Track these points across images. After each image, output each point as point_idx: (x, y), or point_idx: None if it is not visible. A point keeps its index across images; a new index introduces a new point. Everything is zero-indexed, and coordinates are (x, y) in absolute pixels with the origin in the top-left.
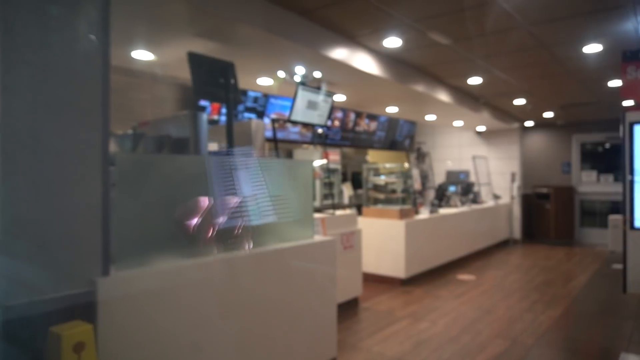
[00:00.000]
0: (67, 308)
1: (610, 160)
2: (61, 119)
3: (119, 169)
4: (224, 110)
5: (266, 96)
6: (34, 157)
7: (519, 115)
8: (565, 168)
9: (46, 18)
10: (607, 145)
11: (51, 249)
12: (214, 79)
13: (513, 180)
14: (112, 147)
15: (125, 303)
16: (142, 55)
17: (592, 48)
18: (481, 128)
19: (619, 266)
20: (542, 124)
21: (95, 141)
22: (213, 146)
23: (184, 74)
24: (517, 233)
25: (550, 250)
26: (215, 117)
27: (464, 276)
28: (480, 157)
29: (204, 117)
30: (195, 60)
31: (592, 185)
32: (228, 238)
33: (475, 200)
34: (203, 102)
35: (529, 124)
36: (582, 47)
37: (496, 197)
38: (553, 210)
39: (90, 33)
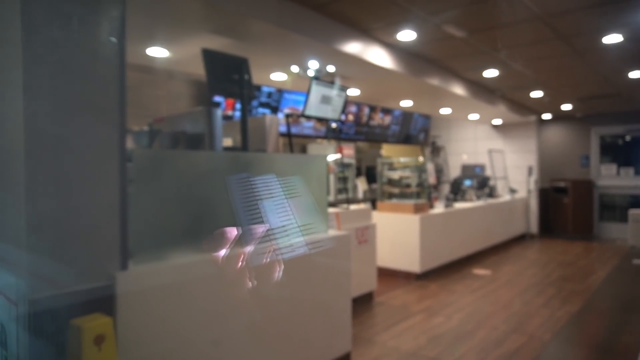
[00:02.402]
0: (87, 301)
1: (631, 153)
2: (80, 117)
3: (136, 165)
4: (238, 106)
5: (280, 91)
6: (55, 155)
7: (536, 107)
8: (583, 161)
9: (64, 17)
10: (628, 138)
11: (72, 243)
12: (228, 75)
13: (530, 174)
14: (129, 143)
15: (144, 296)
16: (157, 52)
17: (612, 39)
18: (497, 121)
19: None
20: (560, 117)
21: (112, 138)
22: (227, 141)
23: (199, 70)
24: (534, 227)
25: (568, 245)
26: (230, 112)
27: (479, 271)
28: (497, 150)
29: (219, 113)
30: (209, 56)
31: (611, 178)
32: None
33: (491, 194)
34: (217, 98)
35: (547, 116)
36: (602, 37)
37: (513, 191)
38: (571, 204)
39: (107, 32)
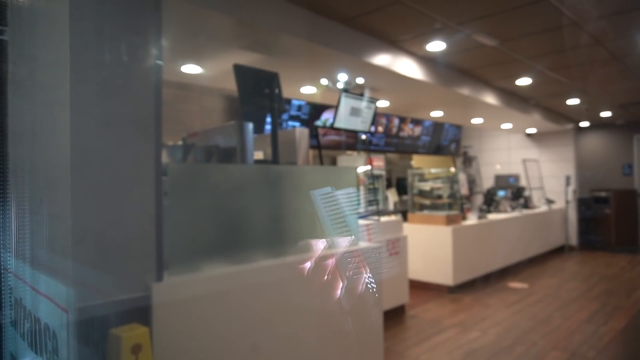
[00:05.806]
0: (125, 311)
1: None
2: (119, 133)
3: (171, 179)
4: (268, 120)
5: (310, 104)
6: (97, 169)
7: (573, 115)
8: (626, 170)
9: (107, 40)
10: None
11: (111, 255)
12: (259, 90)
13: (568, 183)
14: (164, 157)
15: (178, 307)
16: (191, 69)
17: None
18: (531, 130)
19: None
20: (599, 125)
21: (149, 153)
22: (259, 155)
23: (231, 85)
24: (573, 239)
25: (611, 258)
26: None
27: (515, 284)
28: (531, 160)
29: (250, 127)
30: (241, 72)
31: None
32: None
33: (527, 205)
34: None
35: (585, 124)
36: None
37: (549, 201)
38: (613, 215)
39: (146, 53)
